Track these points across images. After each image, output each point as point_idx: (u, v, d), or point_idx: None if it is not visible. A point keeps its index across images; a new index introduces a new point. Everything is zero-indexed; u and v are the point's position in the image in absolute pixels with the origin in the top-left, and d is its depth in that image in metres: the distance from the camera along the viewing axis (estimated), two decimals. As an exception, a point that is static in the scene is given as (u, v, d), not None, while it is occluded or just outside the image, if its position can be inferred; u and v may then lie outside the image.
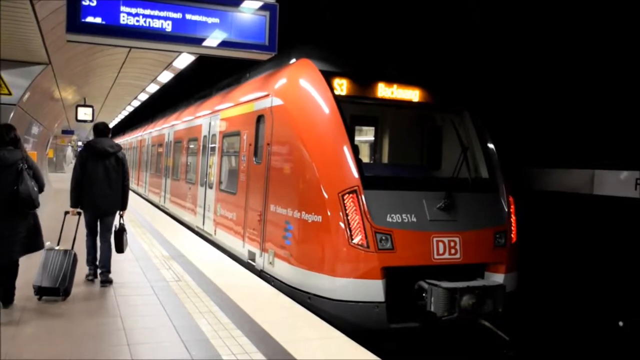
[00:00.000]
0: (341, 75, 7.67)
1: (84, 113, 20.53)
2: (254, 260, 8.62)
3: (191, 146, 13.89)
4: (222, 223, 10.48)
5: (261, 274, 8.22)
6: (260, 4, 6.56)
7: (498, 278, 7.24)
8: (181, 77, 16.39)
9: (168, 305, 6.41)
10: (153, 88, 20.41)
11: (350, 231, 6.66)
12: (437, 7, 10.51)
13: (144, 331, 5.51)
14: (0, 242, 5.75)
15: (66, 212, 7.23)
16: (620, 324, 7.85)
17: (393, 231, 6.74)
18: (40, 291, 6.41)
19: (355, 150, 7.19)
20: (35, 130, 14.86)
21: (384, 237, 6.70)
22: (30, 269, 6.55)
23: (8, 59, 9.47)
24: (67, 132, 37.76)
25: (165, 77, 17.20)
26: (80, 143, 71.25)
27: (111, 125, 42.74)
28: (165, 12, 6.11)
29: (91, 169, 7.18)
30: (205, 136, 12.40)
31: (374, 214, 6.75)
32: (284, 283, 7.52)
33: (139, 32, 6.03)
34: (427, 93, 8.15)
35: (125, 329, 5.50)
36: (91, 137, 7.40)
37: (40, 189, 6.14)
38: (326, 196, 6.85)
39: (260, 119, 8.78)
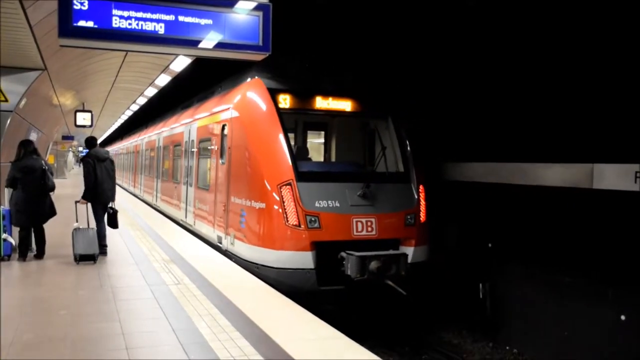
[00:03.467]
0: (285, 91, 9.50)
1: (83, 118, 20.35)
2: (221, 242, 10.48)
3: (176, 151, 15.82)
4: (199, 214, 12.38)
5: (226, 253, 10.03)
6: (253, 4, 6.51)
7: (408, 250, 8.95)
8: (179, 79, 16.35)
9: (167, 308, 6.39)
10: (151, 91, 20.38)
11: (287, 214, 8.46)
12: (366, 28, 12.82)
13: (143, 335, 5.49)
14: (36, 212, 8.96)
15: (77, 201, 9.56)
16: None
17: (320, 214, 8.55)
18: (80, 258, 8.93)
19: (291, 151, 8.91)
20: (33, 136, 14.74)
21: (312, 219, 8.50)
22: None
23: (3, 65, 9.44)
24: (67, 137, 37.71)
25: (163, 80, 17.18)
26: (81, 149, 71.58)
27: (111, 130, 42.94)
28: (157, 14, 6.07)
29: (98, 171, 9.37)
30: (186, 141, 14.22)
31: (305, 201, 8.56)
32: (240, 258, 9.31)
33: (131, 35, 5.98)
34: (357, 103, 9.97)
35: (124, 333, 5.48)
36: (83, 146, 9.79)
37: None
38: (268, 188, 8.69)
39: (224, 127, 10.58)
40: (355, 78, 10.60)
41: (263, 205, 8.73)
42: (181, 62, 14.07)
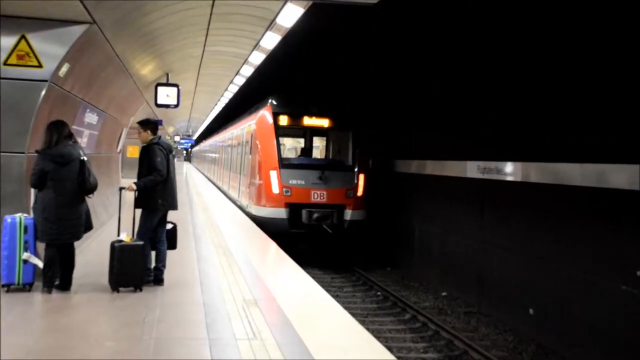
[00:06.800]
0: (283, 113, 21.54)
1: (166, 95, 19.23)
2: (246, 207, 22.85)
3: (236, 148, 29.55)
4: (242, 191, 25.26)
5: (248, 213, 21.90)
6: None
7: (348, 212, 20.16)
8: (289, 39, 16.01)
9: (222, 378, 5.93)
10: (258, 57, 19.84)
11: (272, 187, 20.14)
12: (337, 71, 26.77)
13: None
14: (70, 225, 8.87)
15: (121, 188, 10.01)
16: None
17: (291, 187, 20.08)
18: (118, 284, 9.26)
19: (279, 150, 21.09)
20: (92, 118, 14.59)
21: (287, 190, 19.99)
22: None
23: (31, 16, 9.31)
24: (152, 122, 38.90)
25: (270, 40, 16.76)
26: (177, 139, 74.75)
27: (209, 119, 44.75)
28: None
29: (170, 166, 9.73)
30: (240, 142, 27.40)
31: (284, 179, 20.10)
32: (251, 214, 21.27)
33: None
34: (331, 121, 22.00)
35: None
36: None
37: None
38: (265, 171, 20.51)
39: (252, 134, 22.96)
40: (331, 105, 22.47)
41: (262, 182, 20.51)
42: (290, 13, 13.58)
